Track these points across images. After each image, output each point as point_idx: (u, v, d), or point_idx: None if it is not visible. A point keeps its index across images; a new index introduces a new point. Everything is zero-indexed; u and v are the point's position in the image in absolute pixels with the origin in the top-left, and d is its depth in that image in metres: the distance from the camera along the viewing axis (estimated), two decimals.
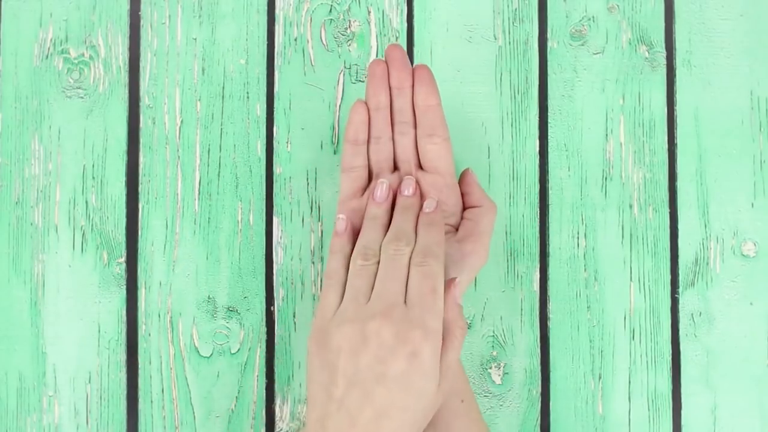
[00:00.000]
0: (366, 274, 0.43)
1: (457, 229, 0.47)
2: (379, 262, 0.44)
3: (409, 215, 0.46)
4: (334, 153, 0.52)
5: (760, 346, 0.52)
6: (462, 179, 0.48)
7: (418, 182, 0.47)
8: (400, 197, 0.47)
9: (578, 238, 0.52)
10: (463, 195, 0.48)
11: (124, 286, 0.51)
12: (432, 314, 0.41)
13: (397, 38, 0.53)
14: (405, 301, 0.42)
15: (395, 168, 0.48)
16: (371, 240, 0.45)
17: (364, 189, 0.48)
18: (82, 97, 0.52)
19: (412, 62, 0.53)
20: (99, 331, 0.51)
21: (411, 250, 0.44)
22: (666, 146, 0.53)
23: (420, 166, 0.48)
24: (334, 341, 0.42)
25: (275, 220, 0.52)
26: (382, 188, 0.47)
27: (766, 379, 0.51)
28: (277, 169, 0.52)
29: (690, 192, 0.52)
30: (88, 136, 0.52)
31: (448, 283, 0.44)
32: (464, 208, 0.48)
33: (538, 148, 0.52)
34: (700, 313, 0.52)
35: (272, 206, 0.52)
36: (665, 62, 0.53)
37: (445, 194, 0.47)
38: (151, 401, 0.51)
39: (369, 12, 0.53)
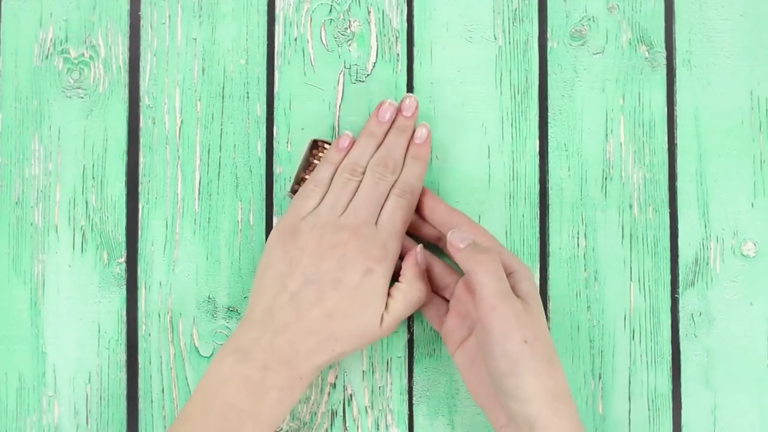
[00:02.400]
0: (349, 188, 0.47)
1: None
2: (362, 181, 0.47)
3: (402, 139, 0.49)
4: None
5: (760, 346, 0.52)
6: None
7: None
8: (399, 115, 0.49)
9: (578, 238, 0.52)
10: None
11: (124, 286, 0.51)
12: (395, 239, 0.46)
13: (397, 38, 0.53)
14: (376, 222, 0.46)
15: None
16: (362, 156, 0.48)
17: None
18: (82, 97, 0.52)
19: (412, 62, 0.53)
20: (99, 331, 0.51)
21: (395, 179, 0.48)
22: (666, 146, 0.53)
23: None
24: (301, 239, 0.45)
25: (275, 220, 0.52)
26: (390, 109, 0.49)
27: (766, 379, 0.51)
28: (277, 169, 0.52)
29: (690, 192, 0.52)
30: (88, 136, 0.52)
31: (412, 252, 0.47)
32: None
33: (538, 148, 0.52)
34: (700, 313, 0.52)
35: (272, 206, 0.52)
36: (665, 62, 0.53)
37: None
38: (151, 401, 0.51)
39: (369, 12, 0.53)
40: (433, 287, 0.49)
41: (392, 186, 0.47)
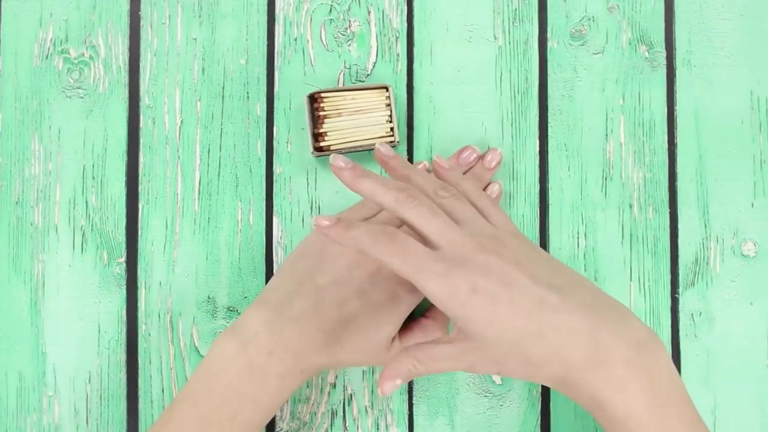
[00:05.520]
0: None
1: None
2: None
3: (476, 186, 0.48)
4: None
5: (760, 346, 0.52)
6: None
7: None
8: (480, 163, 0.50)
9: (578, 238, 0.52)
10: None
11: (124, 286, 0.51)
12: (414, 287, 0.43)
13: (397, 38, 0.53)
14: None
15: None
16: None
17: None
18: (82, 97, 0.52)
19: (412, 62, 0.53)
20: (99, 331, 0.51)
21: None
22: (666, 146, 0.53)
23: None
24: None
25: (275, 220, 0.52)
26: (473, 154, 0.50)
27: (766, 379, 0.51)
28: (277, 169, 0.52)
29: (690, 192, 0.52)
30: (88, 136, 0.52)
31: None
32: None
33: (538, 148, 0.52)
34: (700, 313, 0.52)
35: (272, 206, 0.52)
36: (665, 62, 0.53)
37: None
38: (151, 401, 0.51)
39: (369, 12, 0.53)
40: None
41: None
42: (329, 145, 0.50)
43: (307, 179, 0.52)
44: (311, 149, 0.49)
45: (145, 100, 0.52)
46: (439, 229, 0.40)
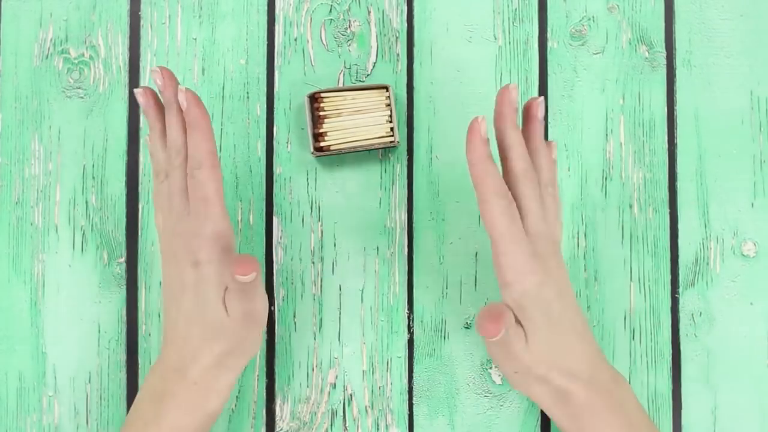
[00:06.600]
0: None
1: None
2: None
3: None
4: None
5: (760, 346, 0.52)
6: None
7: None
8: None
9: (578, 238, 0.52)
10: None
11: (124, 286, 0.51)
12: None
13: (397, 38, 0.53)
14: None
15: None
16: None
17: None
18: (82, 97, 0.52)
19: (412, 62, 0.53)
20: (99, 331, 0.51)
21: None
22: (666, 146, 0.53)
23: None
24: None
25: (275, 220, 0.52)
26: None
27: (766, 379, 0.51)
28: (277, 169, 0.52)
29: (690, 192, 0.52)
30: (88, 136, 0.52)
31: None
32: None
33: None
34: (700, 313, 0.52)
35: (272, 206, 0.52)
36: (665, 62, 0.53)
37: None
38: None
39: (369, 12, 0.53)
40: None
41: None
42: (329, 145, 0.50)
43: (307, 179, 0.52)
44: (311, 149, 0.49)
45: None
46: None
